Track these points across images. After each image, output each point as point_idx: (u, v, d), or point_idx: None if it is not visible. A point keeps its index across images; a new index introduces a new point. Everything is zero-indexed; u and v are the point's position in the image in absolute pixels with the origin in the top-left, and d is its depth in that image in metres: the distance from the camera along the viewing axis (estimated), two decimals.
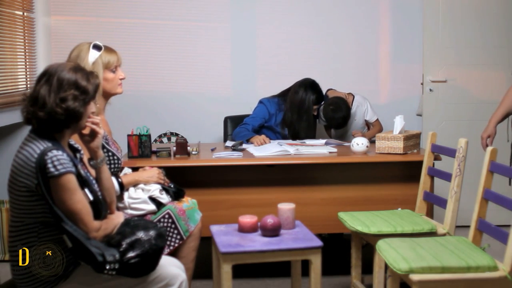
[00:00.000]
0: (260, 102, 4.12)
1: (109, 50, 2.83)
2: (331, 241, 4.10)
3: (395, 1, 4.72)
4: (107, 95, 2.83)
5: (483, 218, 2.63)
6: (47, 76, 2.08)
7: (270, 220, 2.62)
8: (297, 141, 3.85)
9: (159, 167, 2.94)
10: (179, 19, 4.63)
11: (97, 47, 2.79)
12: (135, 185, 2.80)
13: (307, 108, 3.99)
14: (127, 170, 2.90)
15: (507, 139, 3.36)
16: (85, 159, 2.28)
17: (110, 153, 2.74)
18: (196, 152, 3.43)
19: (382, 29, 4.76)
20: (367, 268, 3.11)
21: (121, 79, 2.85)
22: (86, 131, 2.21)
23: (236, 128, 4.01)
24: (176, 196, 2.83)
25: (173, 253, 2.69)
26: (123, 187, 2.72)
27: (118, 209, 2.61)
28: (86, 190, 2.11)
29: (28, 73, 4.25)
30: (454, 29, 4.50)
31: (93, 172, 2.28)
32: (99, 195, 2.19)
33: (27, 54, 4.23)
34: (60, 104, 2.04)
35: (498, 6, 4.51)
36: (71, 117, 2.07)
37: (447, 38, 4.49)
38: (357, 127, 4.35)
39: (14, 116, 3.84)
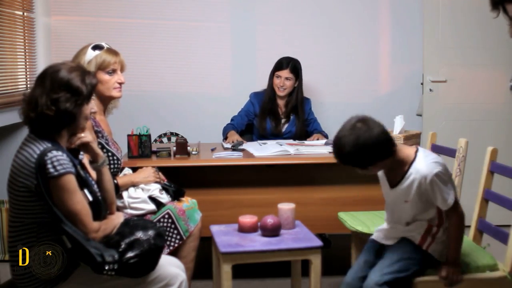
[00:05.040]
0: (249, 96, 4.20)
1: (109, 51, 2.81)
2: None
3: (395, 1, 4.72)
4: (102, 97, 2.81)
5: (483, 218, 2.63)
6: (42, 76, 2.07)
7: (270, 220, 2.62)
8: (297, 141, 3.85)
9: (157, 167, 2.94)
10: (179, 19, 4.63)
11: (98, 47, 2.78)
12: (132, 186, 2.80)
13: (270, 79, 4.13)
14: (127, 171, 2.90)
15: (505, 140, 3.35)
16: (85, 160, 2.28)
17: (109, 153, 2.74)
18: (196, 152, 3.43)
19: (382, 29, 4.76)
20: None
21: (119, 83, 2.83)
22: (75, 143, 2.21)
23: (225, 130, 4.11)
24: (176, 195, 2.83)
25: (173, 253, 2.69)
26: (118, 189, 2.71)
27: (118, 209, 2.60)
28: (86, 191, 2.11)
29: (28, 73, 4.25)
30: (454, 29, 4.49)
31: (92, 173, 2.28)
32: (98, 196, 2.19)
33: (27, 54, 4.23)
34: (50, 106, 2.03)
35: None
36: (63, 118, 2.06)
37: (447, 38, 4.49)
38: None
39: (14, 116, 3.82)
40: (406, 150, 2.34)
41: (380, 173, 2.47)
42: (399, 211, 2.39)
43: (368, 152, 2.22)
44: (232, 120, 4.15)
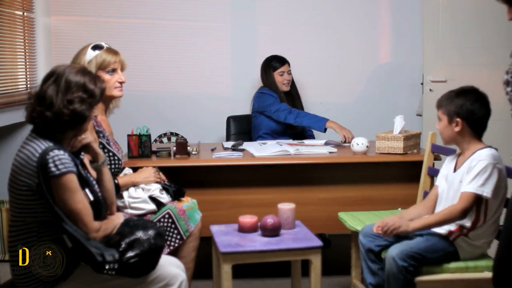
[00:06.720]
0: (261, 93, 4.14)
1: (109, 50, 2.81)
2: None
3: (395, 1, 4.72)
4: (103, 97, 2.81)
5: None
6: (55, 76, 2.09)
7: (270, 220, 2.62)
8: (297, 141, 3.85)
9: (158, 167, 2.94)
10: (179, 19, 4.63)
11: (98, 47, 2.78)
12: (133, 186, 2.79)
13: (271, 78, 4.13)
14: (127, 171, 2.90)
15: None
16: (86, 160, 2.28)
17: (110, 153, 2.74)
18: (196, 152, 3.43)
19: (382, 29, 4.76)
20: None
21: (120, 82, 2.83)
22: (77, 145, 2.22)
23: (298, 115, 3.94)
24: (176, 195, 2.83)
25: (173, 253, 2.69)
26: (118, 189, 2.72)
27: (118, 209, 2.61)
28: (87, 190, 2.11)
29: (28, 73, 4.25)
30: (454, 29, 4.50)
31: (93, 173, 2.28)
32: (99, 196, 2.19)
33: (27, 54, 4.23)
34: (67, 106, 2.05)
35: (498, 6, 4.50)
36: (76, 119, 2.08)
37: (447, 38, 4.49)
38: None
39: (14, 116, 3.84)
40: (480, 143, 2.60)
41: (450, 157, 2.73)
42: (454, 192, 2.54)
43: (465, 105, 2.66)
44: (287, 108, 3.98)
